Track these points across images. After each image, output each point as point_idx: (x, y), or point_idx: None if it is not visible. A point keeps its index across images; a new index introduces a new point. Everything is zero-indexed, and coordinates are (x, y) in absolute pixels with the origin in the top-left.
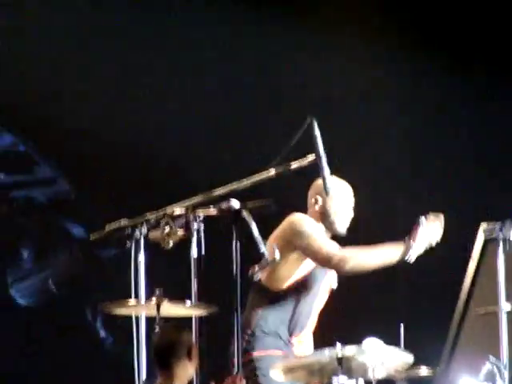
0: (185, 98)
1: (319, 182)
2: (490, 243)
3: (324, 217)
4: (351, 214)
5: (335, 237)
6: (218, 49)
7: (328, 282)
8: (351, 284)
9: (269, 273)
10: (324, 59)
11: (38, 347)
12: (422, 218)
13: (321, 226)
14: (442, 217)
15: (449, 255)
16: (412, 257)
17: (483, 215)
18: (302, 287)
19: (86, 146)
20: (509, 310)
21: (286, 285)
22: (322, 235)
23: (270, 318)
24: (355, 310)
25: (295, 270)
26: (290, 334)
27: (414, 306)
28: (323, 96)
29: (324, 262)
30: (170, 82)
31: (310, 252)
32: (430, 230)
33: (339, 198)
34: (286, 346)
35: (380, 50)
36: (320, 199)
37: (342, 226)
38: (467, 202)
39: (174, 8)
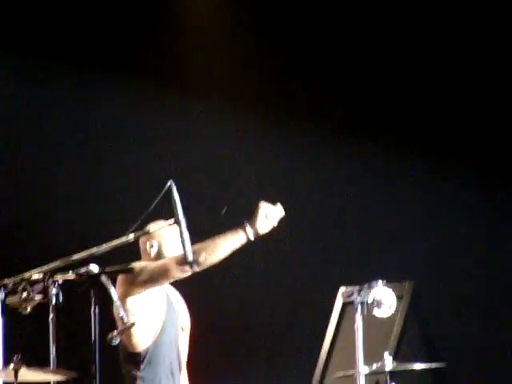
0: (37, 163)
1: (152, 225)
2: (348, 307)
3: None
4: None
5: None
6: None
7: (180, 323)
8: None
9: (128, 337)
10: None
11: None
12: (261, 203)
13: None
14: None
15: (310, 318)
16: (252, 236)
17: (342, 279)
18: (160, 339)
19: None
20: (366, 373)
21: (146, 343)
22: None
23: (150, 380)
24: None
25: (148, 327)
26: None
27: (271, 370)
28: (185, 162)
29: (168, 270)
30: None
31: (150, 276)
32: (269, 211)
33: (175, 241)
34: None
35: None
36: (156, 244)
37: None
38: (327, 265)
39: None
